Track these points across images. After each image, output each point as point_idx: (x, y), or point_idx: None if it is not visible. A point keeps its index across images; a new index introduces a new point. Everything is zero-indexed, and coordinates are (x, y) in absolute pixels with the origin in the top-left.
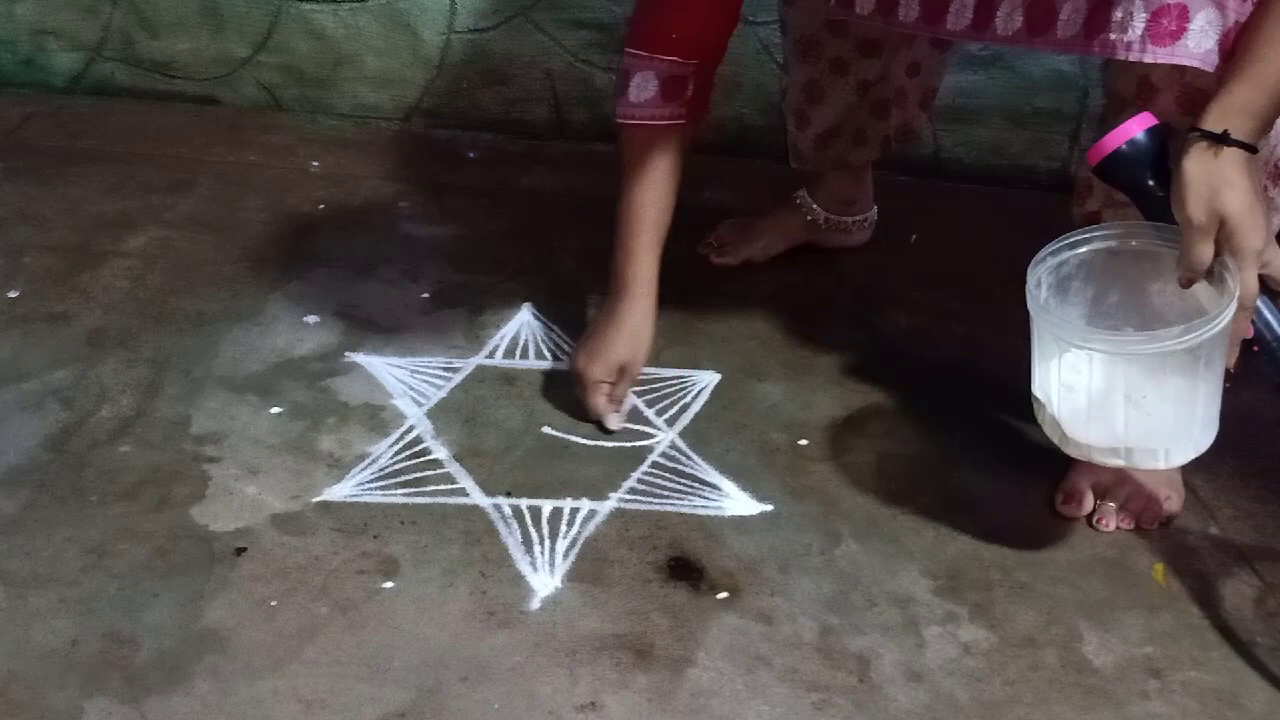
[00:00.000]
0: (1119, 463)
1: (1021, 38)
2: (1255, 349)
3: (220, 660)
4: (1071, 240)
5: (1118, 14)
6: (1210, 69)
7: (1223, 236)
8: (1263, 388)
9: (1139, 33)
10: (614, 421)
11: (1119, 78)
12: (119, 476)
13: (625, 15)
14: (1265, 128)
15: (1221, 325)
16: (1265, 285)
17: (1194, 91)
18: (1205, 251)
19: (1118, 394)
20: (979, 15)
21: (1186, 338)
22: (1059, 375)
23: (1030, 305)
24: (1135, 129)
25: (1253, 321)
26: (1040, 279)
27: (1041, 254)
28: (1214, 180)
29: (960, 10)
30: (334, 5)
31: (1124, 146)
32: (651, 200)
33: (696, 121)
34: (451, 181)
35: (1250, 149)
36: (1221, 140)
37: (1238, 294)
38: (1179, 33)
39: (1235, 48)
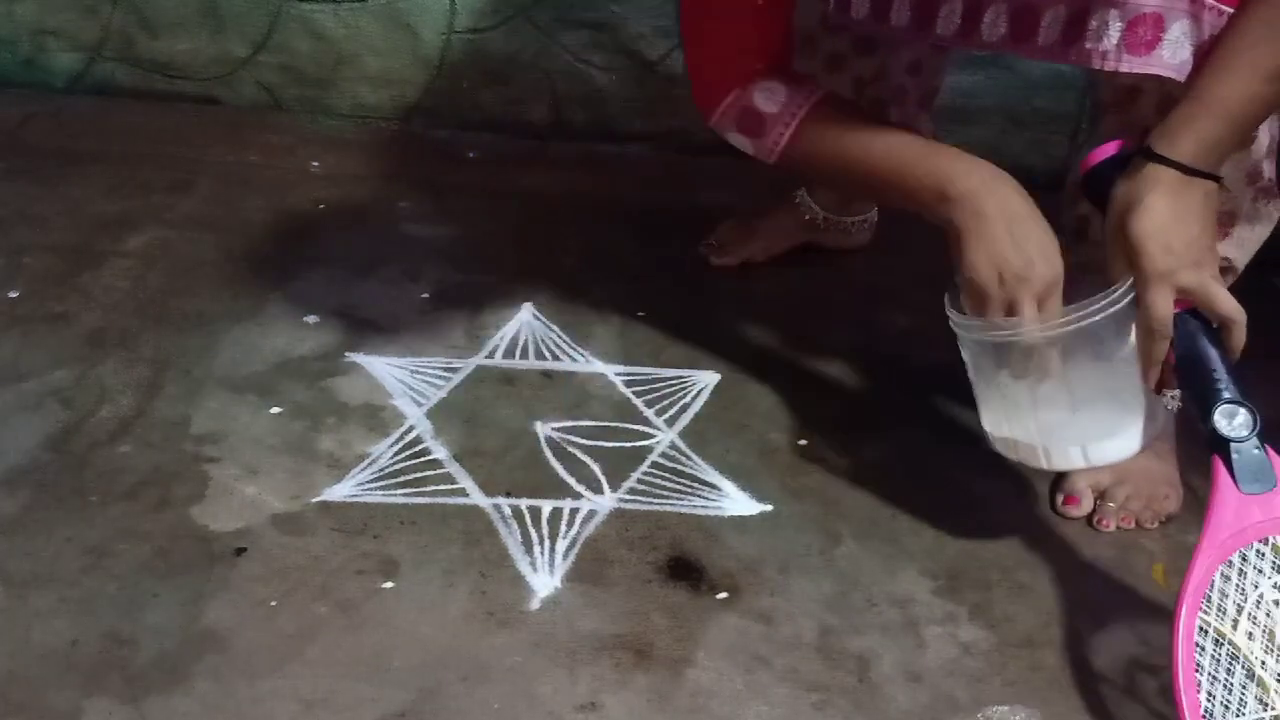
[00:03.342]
0: (1014, 456)
1: (1006, 44)
2: (1176, 376)
3: (220, 660)
4: None
5: (1093, 23)
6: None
7: (1129, 255)
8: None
9: (1114, 42)
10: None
11: (1101, 87)
12: (119, 476)
13: (625, 15)
14: (1215, 153)
15: (1066, 329)
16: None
17: (1173, 101)
18: (1118, 269)
19: (992, 385)
20: (966, 21)
21: (1017, 332)
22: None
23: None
24: (1114, 148)
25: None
26: None
27: None
28: (1130, 198)
29: (949, 16)
30: (334, 5)
31: (1100, 165)
32: (894, 130)
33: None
34: (451, 181)
35: (1180, 168)
36: (1146, 156)
37: (1108, 303)
38: (1154, 42)
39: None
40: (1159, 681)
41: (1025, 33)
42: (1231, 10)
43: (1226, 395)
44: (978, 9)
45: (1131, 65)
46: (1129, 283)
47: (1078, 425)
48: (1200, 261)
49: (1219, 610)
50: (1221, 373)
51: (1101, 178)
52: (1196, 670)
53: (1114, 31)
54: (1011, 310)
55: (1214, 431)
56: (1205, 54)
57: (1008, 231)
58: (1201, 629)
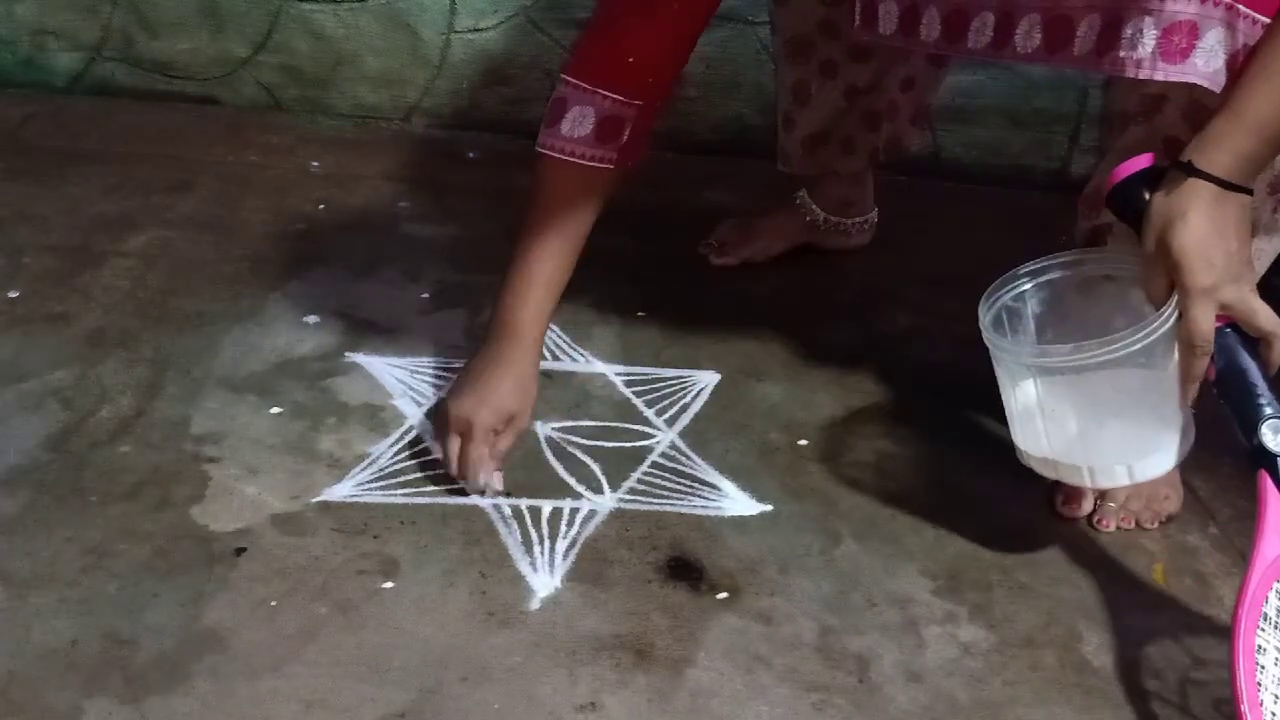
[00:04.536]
0: (1053, 475)
1: (1040, 55)
2: (1214, 390)
3: (220, 660)
4: (1048, 264)
5: (1128, 31)
6: (1218, 89)
7: (1171, 270)
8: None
9: (1149, 50)
10: (496, 482)
11: (1125, 95)
12: (119, 476)
13: None
14: (1252, 167)
15: (1124, 350)
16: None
17: (1201, 109)
18: (1158, 284)
19: (1034, 405)
20: (999, 34)
21: (1075, 356)
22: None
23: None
24: (1146, 162)
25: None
26: (1024, 294)
27: (1021, 270)
28: (1170, 212)
29: (980, 29)
30: (334, 5)
31: (1129, 178)
32: (558, 248)
33: (624, 169)
34: (451, 181)
35: (1219, 183)
36: (1185, 170)
37: (1156, 325)
38: (1188, 50)
39: (1231, 80)
40: (1160, 681)
41: (1060, 43)
42: (1266, 19)
43: (1269, 411)
44: (1010, 21)
45: (1166, 73)
46: (1174, 302)
47: (1123, 443)
48: (1240, 276)
49: (1276, 627)
50: (1263, 387)
51: (1130, 191)
52: (1259, 689)
53: (1149, 40)
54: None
55: (1261, 447)
56: (1240, 65)
57: (505, 379)
58: (1260, 647)
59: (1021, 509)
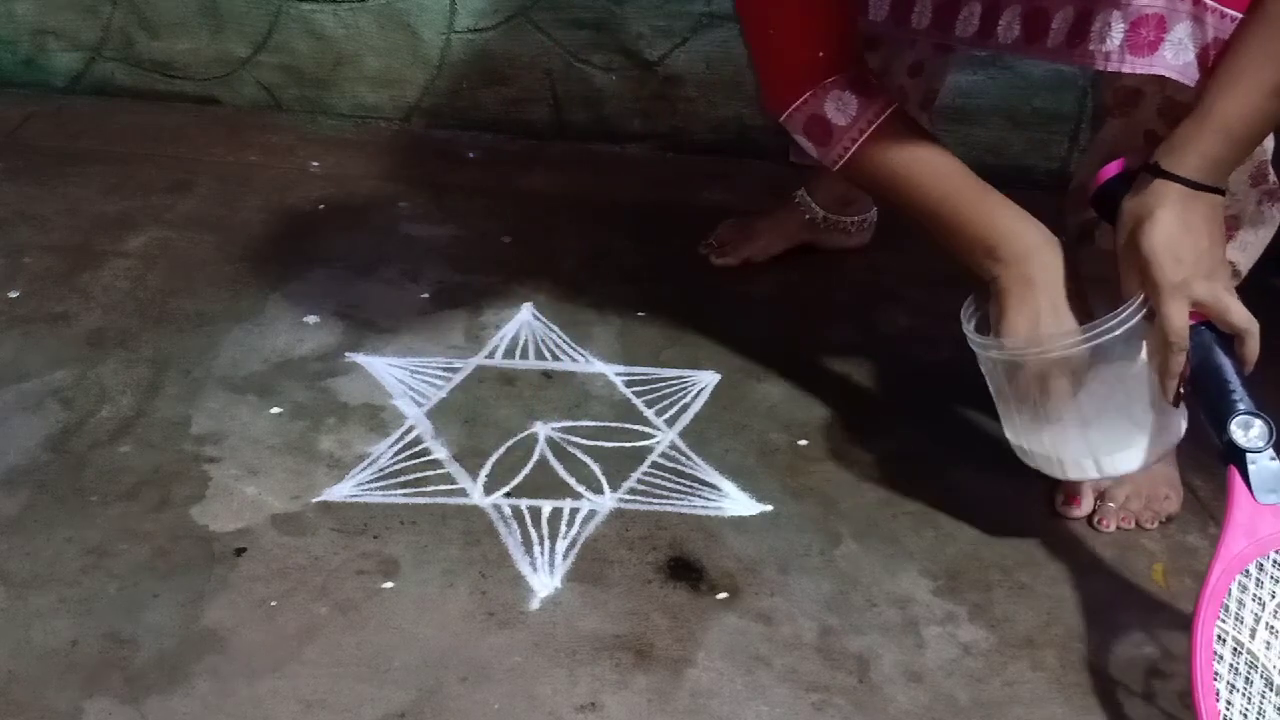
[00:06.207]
0: (1033, 465)
1: (1020, 46)
2: (1190, 387)
3: (220, 660)
4: None
5: (1097, 24)
6: (1190, 83)
7: (1141, 268)
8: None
9: (1117, 43)
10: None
11: (1105, 90)
12: (119, 476)
13: (624, 15)
14: (1220, 167)
15: (1089, 345)
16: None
17: (1175, 104)
18: (1130, 283)
19: (1010, 399)
20: (984, 23)
21: (1028, 350)
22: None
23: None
24: (1119, 166)
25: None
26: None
27: None
28: (1139, 212)
29: (968, 18)
30: (334, 5)
31: (1109, 182)
32: (954, 168)
33: (904, 99)
34: (451, 181)
35: (1186, 183)
36: (1153, 172)
37: (1122, 319)
38: (1157, 43)
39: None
40: (1161, 681)
41: (1037, 34)
42: (1235, 14)
43: (1242, 407)
44: (994, 12)
45: (1134, 66)
46: (1140, 299)
47: (1091, 438)
48: (1212, 273)
49: (1236, 619)
50: (1235, 384)
51: (1110, 195)
52: (1215, 679)
53: (1117, 33)
54: (1043, 380)
55: (1230, 442)
56: (1210, 66)
57: (1052, 304)
58: (1220, 638)
59: (1021, 509)
